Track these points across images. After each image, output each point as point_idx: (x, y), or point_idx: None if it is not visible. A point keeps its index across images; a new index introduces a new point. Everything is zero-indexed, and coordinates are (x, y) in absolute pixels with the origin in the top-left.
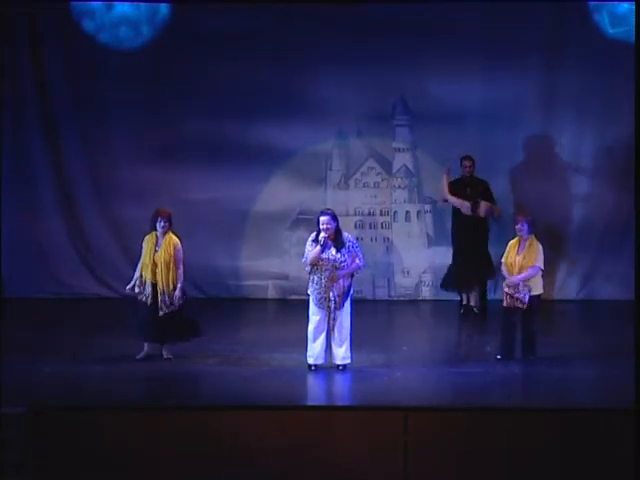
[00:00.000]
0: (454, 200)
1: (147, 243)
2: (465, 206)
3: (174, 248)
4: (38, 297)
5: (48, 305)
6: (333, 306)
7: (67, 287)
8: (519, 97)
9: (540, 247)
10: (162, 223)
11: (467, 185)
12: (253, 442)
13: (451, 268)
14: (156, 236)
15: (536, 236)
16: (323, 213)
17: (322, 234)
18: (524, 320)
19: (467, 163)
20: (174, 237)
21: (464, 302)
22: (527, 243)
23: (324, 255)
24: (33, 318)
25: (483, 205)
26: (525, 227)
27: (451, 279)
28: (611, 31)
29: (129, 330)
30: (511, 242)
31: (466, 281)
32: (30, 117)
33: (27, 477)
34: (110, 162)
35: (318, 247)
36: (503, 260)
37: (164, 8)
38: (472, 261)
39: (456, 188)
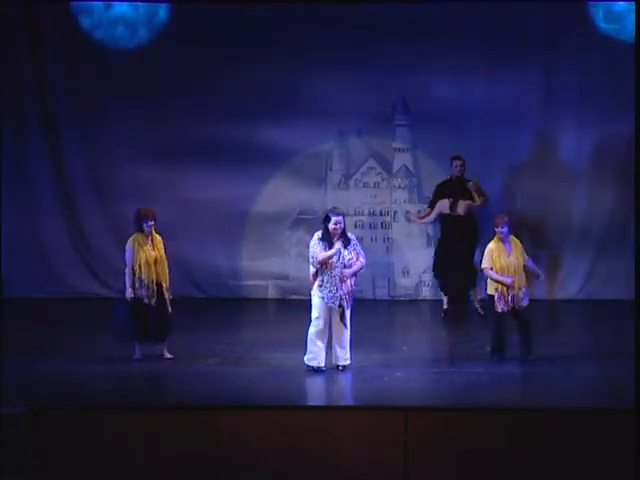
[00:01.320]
0: (433, 212)
1: (138, 244)
2: (444, 205)
3: (163, 246)
4: (38, 297)
5: (48, 305)
6: (345, 305)
7: (67, 287)
8: (519, 97)
9: (520, 243)
10: (150, 222)
11: (459, 185)
12: (253, 442)
13: (437, 269)
14: (144, 236)
15: (515, 234)
16: (336, 213)
17: (337, 244)
18: (520, 320)
19: (458, 162)
20: (158, 235)
21: (445, 306)
22: (512, 243)
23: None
24: (33, 318)
25: (462, 204)
26: (506, 229)
27: (444, 283)
28: (603, 26)
29: (119, 331)
30: (493, 245)
31: (452, 286)
32: (30, 117)
33: (27, 477)
34: (110, 162)
35: (334, 250)
36: (491, 265)
37: (163, 12)
38: (457, 266)
39: (448, 188)
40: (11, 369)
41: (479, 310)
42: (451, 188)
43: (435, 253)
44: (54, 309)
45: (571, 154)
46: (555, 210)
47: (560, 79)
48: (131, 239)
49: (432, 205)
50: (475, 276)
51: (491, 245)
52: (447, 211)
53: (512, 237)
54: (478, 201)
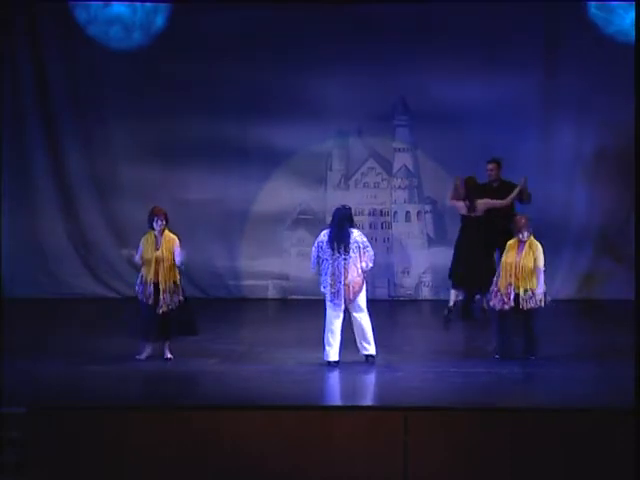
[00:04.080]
0: (453, 203)
1: (146, 242)
2: (461, 207)
3: (174, 245)
4: (38, 297)
5: (48, 305)
6: None
7: (67, 287)
8: (519, 97)
9: (540, 247)
10: (159, 222)
11: (497, 189)
12: (253, 442)
13: (456, 267)
14: (154, 235)
15: (534, 236)
16: None
17: None
18: (526, 319)
19: (490, 167)
20: (172, 234)
21: (451, 303)
22: (527, 244)
23: None
24: (33, 318)
25: (480, 204)
26: (525, 233)
27: (456, 276)
28: (593, 11)
29: (129, 330)
30: (510, 242)
31: (470, 282)
32: (30, 117)
33: (27, 477)
34: (110, 162)
35: None
36: (502, 260)
37: (160, 19)
38: (468, 264)
39: (483, 193)
40: (11, 369)
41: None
42: (494, 194)
43: (453, 254)
44: (54, 309)
45: (571, 154)
46: (555, 210)
47: (560, 79)
48: (143, 237)
49: (465, 198)
50: (490, 278)
51: (510, 242)
52: (465, 212)
53: (531, 239)
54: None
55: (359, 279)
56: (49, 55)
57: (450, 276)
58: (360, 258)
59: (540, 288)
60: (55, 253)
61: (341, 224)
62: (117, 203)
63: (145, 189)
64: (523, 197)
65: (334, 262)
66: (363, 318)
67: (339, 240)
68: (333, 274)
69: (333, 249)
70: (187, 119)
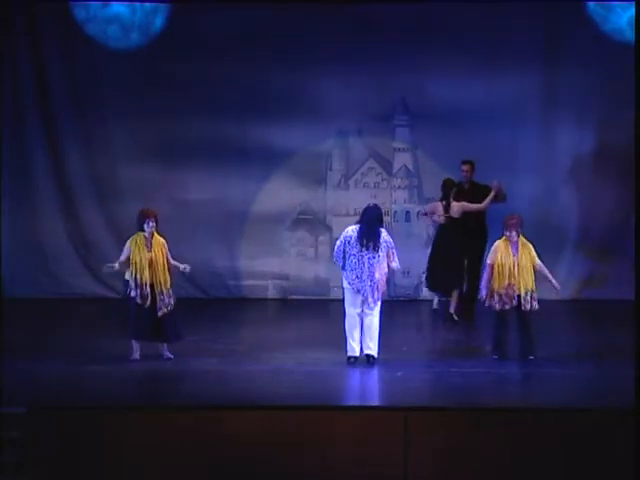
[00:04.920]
0: (428, 212)
1: (135, 244)
2: (438, 208)
3: (165, 248)
4: (38, 297)
5: (48, 305)
6: None
7: (67, 287)
8: (519, 97)
9: (531, 245)
10: (151, 223)
11: (468, 191)
12: (253, 442)
13: (429, 270)
14: (144, 237)
15: (523, 235)
16: None
17: None
18: (522, 320)
19: (464, 167)
20: (160, 237)
21: (435, 307)
22: (520, 243)
23: None
24: (33, 318)
25: (456, 206)
26: (514, 232)
27: (430, 280)
28: (592, 7)
29: (126, 331)
30: (499, 243)
31: (440, 285)
32: (30, 117)
33: (27, 477)
34: (110, 162)
35: None
36: (493, 262)
37: (159, 20)
38: (444, 267)
39: (457, 194)
40: (11, 369)
41: (454, 315)
42: (467, 195)
43: (430, 255)
44: (54, 309)
45: (571, 154)
46: (555, 210)
47: (560, 79)
48: (130, 239)
49: (443, 199)
50: (463, 279)
51: (498, 242)
52: (442, 214)
53: (521, 238)
54: (486, 202)
55: (383, 278)
56: (49, 55)
57: (427, 278)
58: (387, 258)
59: (553, 280)
60: (55, 253)
61: (372, 222)
62: (117, 203)
63: (145, 189)
64: (499, 199)
65: (361, 259)
66: (374, 317)
67: (369, 238)
68: (360, 270)
69: (362, 245)
70: (187, 119)
